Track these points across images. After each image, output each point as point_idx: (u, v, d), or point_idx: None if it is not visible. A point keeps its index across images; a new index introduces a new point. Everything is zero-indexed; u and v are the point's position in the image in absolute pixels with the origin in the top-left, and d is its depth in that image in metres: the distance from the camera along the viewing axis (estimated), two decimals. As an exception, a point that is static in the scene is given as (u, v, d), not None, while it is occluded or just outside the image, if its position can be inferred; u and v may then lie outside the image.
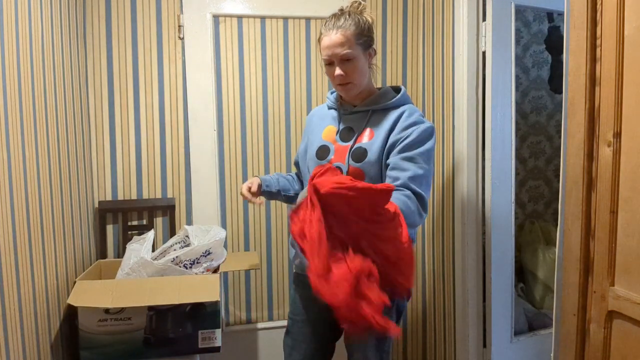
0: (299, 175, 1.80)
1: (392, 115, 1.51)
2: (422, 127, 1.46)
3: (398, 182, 1.39)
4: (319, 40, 1.51)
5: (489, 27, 1.93)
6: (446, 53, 2.12)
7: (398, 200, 1.33)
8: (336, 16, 1.48)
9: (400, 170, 1.41)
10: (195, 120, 2.23)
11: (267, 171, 2.32)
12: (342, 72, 1.47)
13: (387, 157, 1.47)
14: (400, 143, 1.45)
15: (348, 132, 1.55)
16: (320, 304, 1.60)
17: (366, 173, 1.49)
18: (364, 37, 1.48)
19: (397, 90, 1.59)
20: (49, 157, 1.63)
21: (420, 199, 1.39)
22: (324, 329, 1.63)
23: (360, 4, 1.53)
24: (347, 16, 1.47)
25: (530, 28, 3.08)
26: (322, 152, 1.57)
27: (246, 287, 2.36)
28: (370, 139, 1.51)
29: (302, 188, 1.71)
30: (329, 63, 1.49)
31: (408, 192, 1.38)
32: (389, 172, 1.44)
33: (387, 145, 1.47)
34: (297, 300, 1.68)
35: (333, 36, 1.45)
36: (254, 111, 2.31)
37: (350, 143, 1.53)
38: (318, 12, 2.29)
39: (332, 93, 1.68)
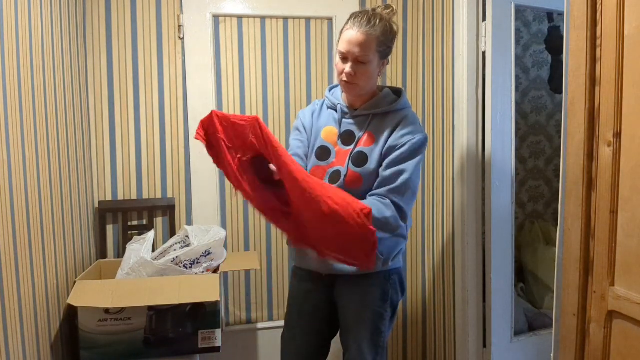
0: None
1: (392, 121, 1.52)
2: (416, 138, 1.49)
3: (381, 191, 1.45)
4: (341, 31, 1.49)
5: (489, 27, 1.93)
6: (446, 53, 2.12)
7: (374, 205, 1.39)
8: (368, 15, 1.45)
9: (387, 182, 1.46)
10: (195, 120, 2.22)
11: (267, 171, 2.31)
12: (352, 72, 1.46)
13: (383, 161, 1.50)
14: (394, 152, 1.48)
15: (349, 136, 1.55)
16: (317, 299, 1.62)
17: (364, 179, 1.50)
18: (385, 45, 1.48)
19: (396, 92, 1.60)
20: (49, 157, 1.63)
21: (399, 209, 1.44)
22: (320, 324, 1.64)
23: (392, 9, 1.51)
24: (379, 20, 1.45)
25: (530, 28, 3.08)
26: (323, 153, 1.56)
27: (246, 287, 2.36)
28: (370, 144, 1.51)
29: None
30: (343, 57, 1.48)
31: (387, 201, 1.43)
32: (378, 180, 1.48)
33: (384, 150, 1.50)
34: (295, 293, 1.69)
35: (357, 34, 1.43)
36: (254, 111, 2.30)
37: (351, 147, 1.53)
38: (318, 12, 2.29)
39: (330, 91, 1.66)
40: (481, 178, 2.03)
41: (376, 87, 1.60)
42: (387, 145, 1.49)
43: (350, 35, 1.44)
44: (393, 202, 1.43)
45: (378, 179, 1.48)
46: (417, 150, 1.48)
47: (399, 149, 1.48)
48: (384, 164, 1.48)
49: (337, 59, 1.51)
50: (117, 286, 1.69)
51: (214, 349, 1.76)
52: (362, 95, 1.56)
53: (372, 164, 1.49)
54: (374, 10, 1.48)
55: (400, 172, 1.45)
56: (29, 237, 1.46)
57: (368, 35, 1.43)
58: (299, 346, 1.64)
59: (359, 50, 1.44)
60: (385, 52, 1.50)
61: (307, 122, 1.65)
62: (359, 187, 1.50)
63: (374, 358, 1.54)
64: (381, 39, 1.45)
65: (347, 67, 1.46)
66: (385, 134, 1.50)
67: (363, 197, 1.48)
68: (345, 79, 1.49)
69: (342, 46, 1.47)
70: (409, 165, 1.46)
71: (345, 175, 1.50)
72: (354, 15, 1.48)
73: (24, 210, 1.43)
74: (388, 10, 1.50)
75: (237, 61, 2.28)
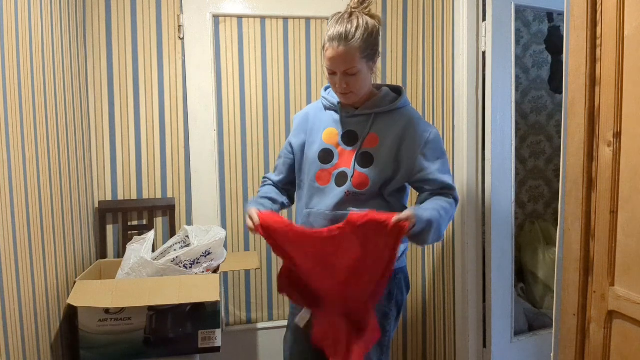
0: (276, 184, 1.70)
1: (397, 122, 1.51)
2: (433, 131, 1.53)
3: (442, 188, 1.49)
4: (323, 48, 1.46)
5: (489, 27, 1.93)
6: (446, 53, 2.12)
7: (441, 207, 1.43)
8: (343, 24, 1.40)
9: (439, 181, 1.49)
10: (195, 120, 2.23)
11: (267, 171, 2.31)
12: (344, 84, 1.45)
13: (409, 172, 1.50)
14: (426, 150, 1.49)
15: (352, 136, 1.53)
16: None
17: (371, 180, 1.48)
18: (369, 49, 1.43)
19: (395, 90, 1.59)
20: (49, 157, 1.63)
21: (456, 201, 1.52)
22: None
23: (367, 2, 1.45)
24: (356, 28, 1.39)
25: (530, 28, 3.08)
26: (326, 155, 1.54)
27: (246, 287, 2.36)
28: (375, 144, 1.50)
29: (284, 194, 1.68)
30: (332, 73, 1.46)
31: (451, 200, 1.48)
32: (427, 185, 1.50)
33: (407, 159, 1.49)
34: None
35: (338, 50, 1.39)
36: (254, 111, 2.31)
37: (355, 147, 1.51)
38: (318, 12, 2.29)
39: (326, 90, 1.63)
40: (481, 178, 2.02)
41: (372, 86, 1.57)
42: (405, 150, 1.49)
43: (332, 54, 1.40)
44: (454, 197, 1.50)
45: (425, 177, 1.49)
46: (440, 140, 1.54)
47: (427, 146, 1.50)
48: (425, 165, 1.49)
49: (327, 73, 1.48)
50: (117, 286, 1.69)
51: (214, 349, 1.76)
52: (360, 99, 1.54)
53: (378, 164, 1.48)
54: (350, 14, 1.42)
55: (444, 170, 1.51)
56: (29, 237, 1.46)
57: (349, 48, 1.39)
58: (302, 351, 1.63)
59: (344, 65, 1.41)
60: (371, 54, 1.46)
61: (301, 127, 1.63)
62: (366, 188, 1.48)
63: (379, 358, 1.54)
64: (363, 46, 1.41)
65: (339, 82, 1.45)
66: (392, 136, 1.49)
67: (369, 200, 1.48)
68: (340, 91, 1.48)
69: (327, 63, 1.44)
70: (445, 157, 1.53)
71: (352, 177, 1.49)
72: (328, 29, 1.43)
73: (24, 210, 1.43)
74: (364, 6, 1.44)
75: (237, 61, 2.28)
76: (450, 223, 2.12)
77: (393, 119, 1.52)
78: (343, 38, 1.38)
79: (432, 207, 1.40)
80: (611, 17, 1.07)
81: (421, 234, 1.35)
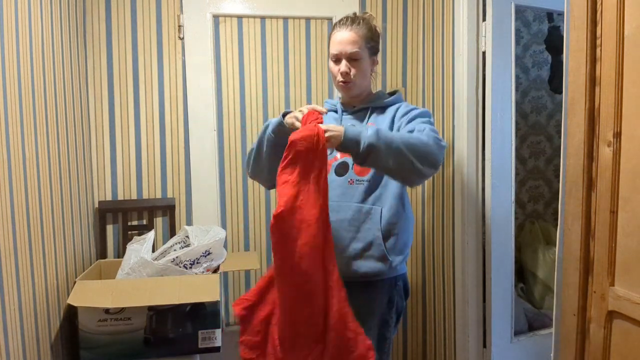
0: None
1: (390, 111, 1.58)
2: (422, 110, 1.57)
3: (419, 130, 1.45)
4: (330, 37, 1.56)
5: (489, 27, 1.93)
6: (446, 53, 2.12)
7: (405, 134, 1.39)
8: (351, 18, 1.54)
9: (417, 130, 1.44)
10: (195, 120, 2.23)
11: (267, 171, 2.31)
12: (347, 69, 1.51)
13: None
14: (405, 117, 1.52)
15: None
16: None
17: None
18: (372, 42, 1.54)
19: (391, 94, 1.68)
20: (49, 157, 1.63)
21: (434, 132, 1.43)
22: None
23: (372, 14, 1.60)
24: (361, 20, 1.53)
25: (530, 28, 3.08)
26: None
27: (246, 287, 2.36)
28: None
29: None
30: (336, 59, 1.53)
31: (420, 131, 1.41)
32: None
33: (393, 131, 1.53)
34: None
35: (346, 34, 1.50)
36: (254, 111, 2.30)
37: None
38: (318, 12, 2.29)
39: (326, 102, 1.73)
40: (481, 178, 2.02)
41: (371, 89, 1.66)
42: (394, 128, 1.53)
43: (340, 36, 1.51)
44: (425, 131, 1.42)
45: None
46: (426, 113, 1.54)
47: (408, 114, 1.52)
48: (409, 126, 1.48)
49: (330, 64, 1.56)
50: (117, 286, 1.69)
51: (214, 349, 1.76)
52: (359, 95, 1.61)
53: None
54: (354, 14, 1.57)
55: (422, 121, 1.48)
56: (29, 237, 1.46)
57: (356, 32, 1.50)
58: None
59: (351, 47, 1.50)
60: (373, 48, 1.55)
61: None
62: (368, 173, 1.52)
63: None
64: (368, 35, 1.52)
65: (342, 66, 1.52)
66: (386, 123, 1.55)
67: (371, 187, 1.50)
68: (341, 79, 1.54)
69: (333, 48, 1.53)
70: (426, 121, 1.49)
71: (353, 165, 1.53)
72: (337, 21, 1.56)
73: (24, 210, 1.43)
74: (367, 15, 1.58)
75: (237, 61, 2.28)
76: (451, 222, 2.12)
77: (388, 112, 1.58)
78: (352, 23, 1.51)
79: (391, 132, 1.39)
80: (611, 17, 1.07)
81: (356, 142, 1.29)
